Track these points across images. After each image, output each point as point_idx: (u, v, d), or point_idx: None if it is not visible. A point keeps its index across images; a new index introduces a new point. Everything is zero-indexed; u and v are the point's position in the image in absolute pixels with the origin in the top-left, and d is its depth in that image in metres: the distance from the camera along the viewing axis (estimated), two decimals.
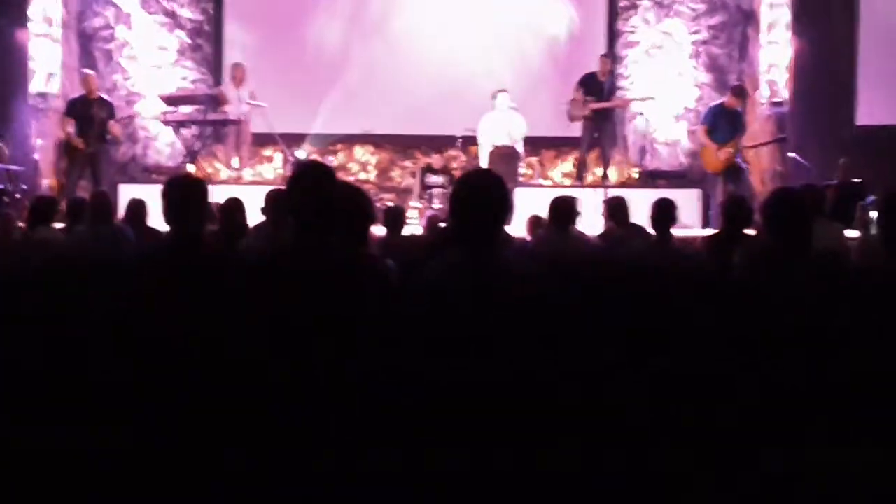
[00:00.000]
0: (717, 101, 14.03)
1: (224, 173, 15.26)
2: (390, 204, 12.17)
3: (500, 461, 2.27)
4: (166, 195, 4.68)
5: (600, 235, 9.82)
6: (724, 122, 13.46)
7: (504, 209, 3.97)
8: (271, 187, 9.42)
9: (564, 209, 8.64)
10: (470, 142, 14.88)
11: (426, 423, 2.63)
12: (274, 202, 7.65)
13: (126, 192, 12.48)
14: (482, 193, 3.91)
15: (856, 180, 12.70)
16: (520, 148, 14.30)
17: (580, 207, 9.04)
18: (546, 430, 2.58)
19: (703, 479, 2.13)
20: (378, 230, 9.01)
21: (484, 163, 13.93)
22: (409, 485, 2.25)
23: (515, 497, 2.16)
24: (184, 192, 4.72)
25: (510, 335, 3.29)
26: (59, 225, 9.72)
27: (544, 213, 8.99)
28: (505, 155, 14.04)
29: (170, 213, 4.66)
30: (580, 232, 9.07)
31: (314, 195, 4.12)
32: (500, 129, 14.15)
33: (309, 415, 2.70)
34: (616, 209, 9.65)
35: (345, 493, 2.33)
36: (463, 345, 3.18)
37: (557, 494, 2.17)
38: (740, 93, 13.80)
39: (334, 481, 2.38)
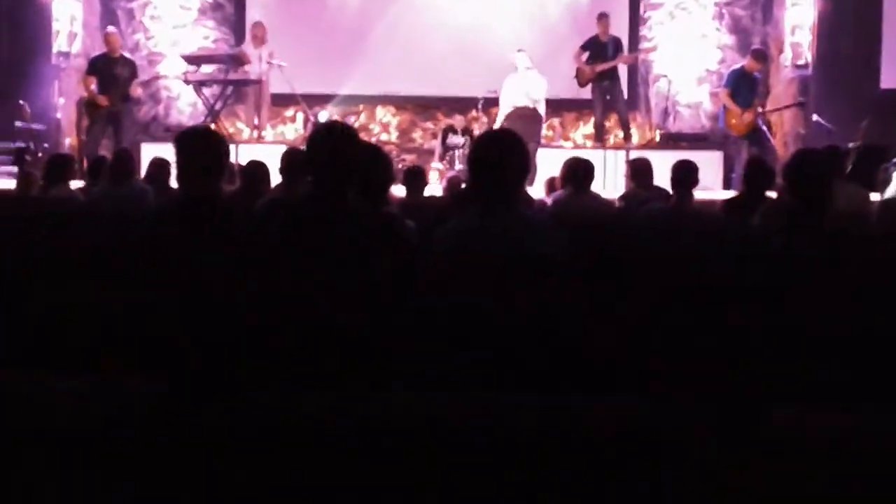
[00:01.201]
0: (738, 65, 13.96)
1: (245, 133, 15.27)
2: (411, 165, 12.16)
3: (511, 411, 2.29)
4: (178, 147, 4.58)
5: (620, 197, 9.82)
6: (745, 86, 13.40)
7: (521, 170, 3.97)
8: None
9: (582, 170, 8.64)
10: (492, 103, 14.85)
11: (437, 376, 2.64)
12: (288, 161, 7.59)
13: (148, 151, 12.53)
14: (498, 153, 3.92)
15: (878, 143, 12.62)
16: (541, 108, 14.22)
17: (597, 169, 9.04)
18: (560, 385, 2.60)
19: (719, 433, 2.14)
20: (398, 190, 9.03)
21: (499, 124, 13.85)
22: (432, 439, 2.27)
23: (536, 445, 2.18)
24: (197, 145, 4.63)
25: (524, 292, 3.30)
26: (77, 183, 9.75)
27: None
28: (524, 115, 13.98)
29: (181, 167, 4.58)
30: (596, 194, 9.06)
31: (331, 153, 4.13)
32: (519, 90, 14.08)
33: (321, 369, 2.71)
34: (639, 171, 9.64)
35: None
36: (476, 302, 3.19)
37: (576, 442, 2.18)
38: (761, 56, 13.74)
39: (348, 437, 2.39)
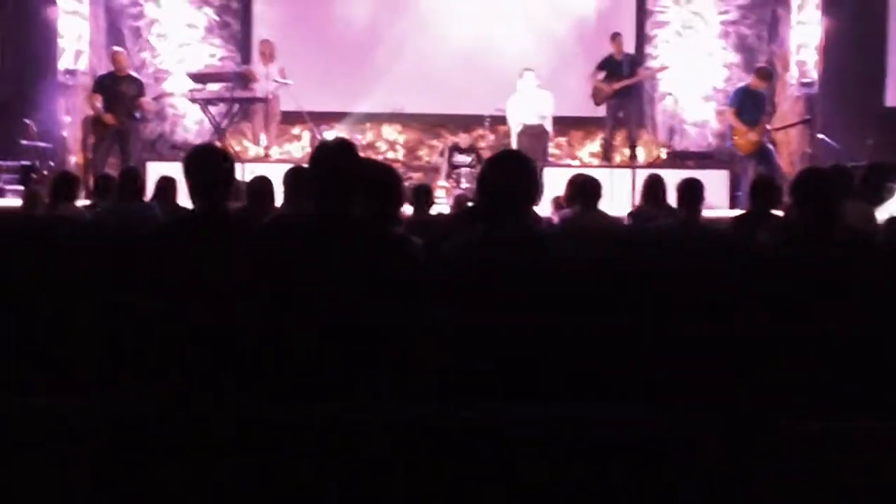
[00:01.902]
0: (743, 84, 13.98)
1: (252, 151, 15.28)
2: (418, 183, 12.16)
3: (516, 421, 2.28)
4: (188, 167, 4.64)
5: (630, 214, 9.82)
6: (750, 104, 13.41)
7: (531, 189, 3.97)
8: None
9: (590, 188, 8.63)
10: (498, 121, 14.88)
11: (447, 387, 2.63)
12: (292, 180, 7.57)
13: (154, 170, 12.54)
14: (510, 173, 3.92)
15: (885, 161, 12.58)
16: (548, 126, 14.26)
17: (604, 187, 9.04)
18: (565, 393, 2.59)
19: (725, 443, 2.13)
20: (405, 208, 9.01)
21: (514, 143, 13.90)
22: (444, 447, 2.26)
23: (547, 453, 2.17)
24: (207, 164, 4.68)
25: (529, 304, 3.30)
26: (83, 202, 9.74)
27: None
28: (534, 134, 14.02)
29: (192, 186, 4.63)
30: (604, 212, 9.05)
31: (334, 170, 4.13)
32: (528, 109, 14.12)
33: (327, 378, 2.71)
34: (651, 188, 9.65)
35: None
36: (479, 315, 3.19)
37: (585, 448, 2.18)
38: (765, 74, 13.77)
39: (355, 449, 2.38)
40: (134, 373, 2.78)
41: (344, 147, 4.38)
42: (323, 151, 4.44)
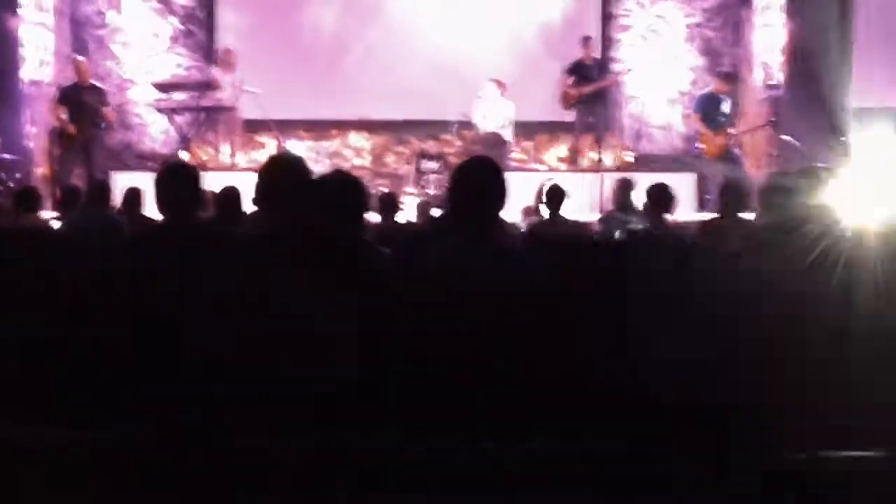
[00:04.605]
0: (707, 89, 14.05)
1: (218, 160, 15.21)
2: (385, 190, 12.13)
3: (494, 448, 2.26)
4: (160, 182, 4.71)
5: (600, 220, 9.88)
6: (714, 109, 13.47)
7: (500, 197, 3.97)
8: None
9: (558, 194, 8.68)
10: (465, 127, 14.89)
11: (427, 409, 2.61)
12: (222, 198, 7.70)
13: (120, 180, 12.46)
14: (478, 181, 3.92)
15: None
16: (508, 136, 14.37)
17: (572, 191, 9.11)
18: (540, 417, 2.57)
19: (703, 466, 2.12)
20: (373, 216, 9.00)
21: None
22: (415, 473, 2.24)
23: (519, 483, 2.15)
24: (177, 179, 4.74)
25: (511, 318, 3.28)
26: (49, 213, 9.69)
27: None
28: (489, 142, 14.10)
29: (163, 201, 4.68)
30: (573, 220, 9.10)
31: (279, 184, 4.19)
32: (490, 117, 14.29)
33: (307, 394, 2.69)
34: (622, 192, 9.73)
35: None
36: (465, 328, 3.17)
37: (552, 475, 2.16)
38: (728, 78, 13.90)
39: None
40: (102, 392, 2.74)
41: (287, 162, 4.46)
42: (268, 168, 4.49)
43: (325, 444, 2.24)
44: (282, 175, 4.31)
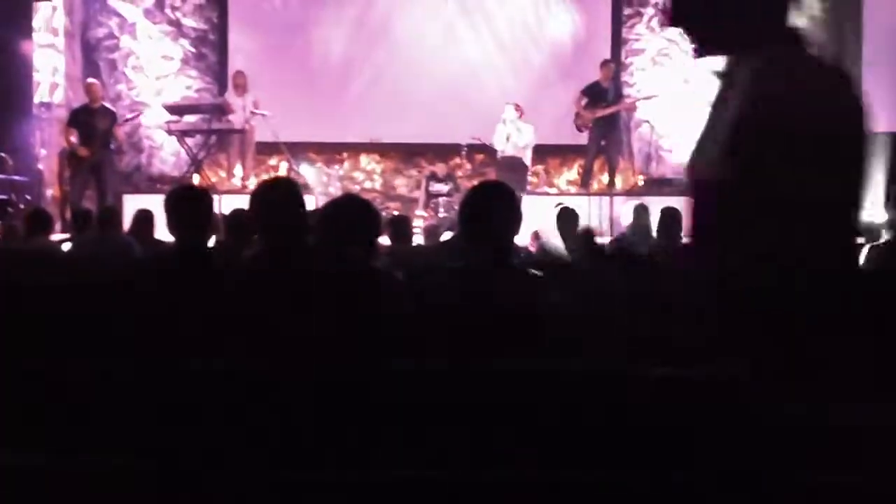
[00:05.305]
0: None
1: (229, 182, 15.22)
2: (395, 213, 12.09)
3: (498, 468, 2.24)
4: (170, 206, 4.70)
5: (612, 241, 9.89)
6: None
7: (512, 221, 3.95)
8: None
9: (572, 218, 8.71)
10: (475, 150, 14.90)
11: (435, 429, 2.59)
12: (232, 220, 7.69)
13: (131, 203, 12.48)
14: (490, 205, 3.90)
15: None
16: (527, 159, 14.34)
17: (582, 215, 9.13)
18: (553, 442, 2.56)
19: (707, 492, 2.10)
20: (383, 240, 8.96)
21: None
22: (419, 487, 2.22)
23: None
24: (188, 203, 4.74)
25: (521, 341, 3.27)
26: (60, 236, 9.69)
27: (549, 221, 9.00)
28: (510, 166, 14.08)
29: (174, 224, 4.68)
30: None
31: (275, 210, 4.20)
32: (509, 140, 14.26)
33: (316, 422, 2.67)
34: (635, 214, 9.77)
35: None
36: (475, 351, 3.16)
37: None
38: None
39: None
40: (111, 421, 2.72)
41: (285, 186, 4.46)
42: (262, 192, 4.48)
43: (340, 477, 2.22)
44: (272, 198, 4.30)
